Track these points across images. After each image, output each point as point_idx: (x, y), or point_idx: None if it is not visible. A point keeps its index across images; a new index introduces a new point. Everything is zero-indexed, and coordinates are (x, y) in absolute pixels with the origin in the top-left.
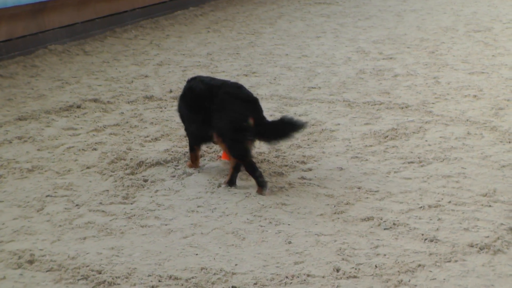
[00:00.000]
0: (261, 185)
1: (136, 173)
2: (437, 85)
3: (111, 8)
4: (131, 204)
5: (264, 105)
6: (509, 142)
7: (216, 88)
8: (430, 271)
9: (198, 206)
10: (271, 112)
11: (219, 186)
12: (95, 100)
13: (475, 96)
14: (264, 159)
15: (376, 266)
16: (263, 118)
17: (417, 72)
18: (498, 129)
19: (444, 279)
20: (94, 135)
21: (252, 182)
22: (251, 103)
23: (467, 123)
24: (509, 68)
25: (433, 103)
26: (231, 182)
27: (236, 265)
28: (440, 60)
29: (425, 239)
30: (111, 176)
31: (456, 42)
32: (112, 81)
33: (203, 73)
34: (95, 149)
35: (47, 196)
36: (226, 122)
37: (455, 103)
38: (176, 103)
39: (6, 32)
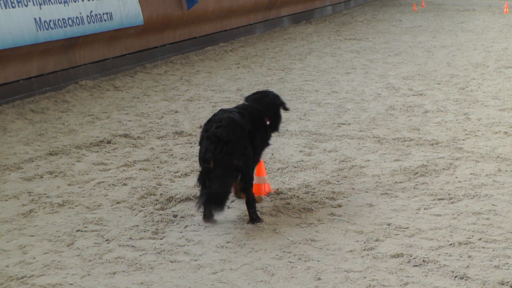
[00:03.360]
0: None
1: (166, 208)
2: (467, 121)
3: (141, 43)
4: (161, 239)
5: (293, 141)
6: None
7: None
8: None
9: (227, 242)
10: (300, 148)
11: (248, 222)
12: (125, 135)
13: (505, 132)
14: (294, 195)
15: None
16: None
17: (447, 108)
18: None
19: None
20: (124, 170)
21: (281, 218)
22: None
23: (497, 159)
24: None
25: (463, 139)
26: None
27: None
28: (470, 97)
29: (455, 277)
30: (141, 211)
31: (487, 78)
32: (142, 117)
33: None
34: (125, 184)
35: (77, 230)
36: None
37: (485, 140)
38: None
39: (37, 68)
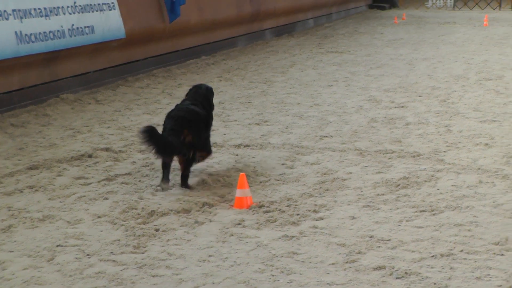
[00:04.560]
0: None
1: (148, 222)
2: (448, 133)
3: (123, 57)
4: (142, 253)
5: (276, 154)
6: None
7: None
8: None
9: (209, 256)
10: (282, 161)
11: (231, 235)
12: (106, 149)
13: (486, 144)
14: (276, 208)
15: None
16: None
17: (428, 120)
18: (509, 177)
19: None
20: (105, 184)
21: (264, 231)
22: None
23: (478, 171)
24: None
25: (444, 151)
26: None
27: None
28: (451, 109)
29: None
30: (122, 225)
31: (468, 90)
32: (124, 130)
33: (215, 122)
34: (106, 199)
35: (57, 245)
36: None
37: (466, 152)
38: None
39: (18, 81)
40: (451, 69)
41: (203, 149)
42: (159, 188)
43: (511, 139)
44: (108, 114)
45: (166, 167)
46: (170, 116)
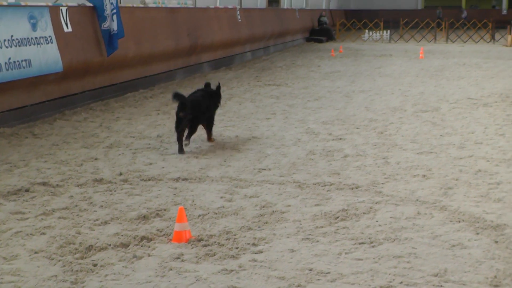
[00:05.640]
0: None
1: (85, 257)
2: (386, 165)
3: (61, 90)
4: None
5: (214, 187)
6: (459, 222)
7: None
8: None
9: None
10: (221, 194)
11: (170, 269)
12: (44, 184)
13: (424, 175)
14: (215, 242)
15: None
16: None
17: (366, 152)
18: (447, 209)
19: None
20: (42, 219)
21: (203, 265)
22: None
23: (416, 203)
24: (457, 147)
25: (382, 183)
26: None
27: None
28: (389, 140)
29: None
30: (59, 260)
31: (405, 122)
32: (61, 164)
33: (153, 155)
34: (43, 233)
35: None
36: None
37: (404, 183)
38: (126, 185)
39: None
40: (388, 101)
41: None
42: (181, 152)
43: (448, 170)
44: (45, 148)
45: (179, 140)
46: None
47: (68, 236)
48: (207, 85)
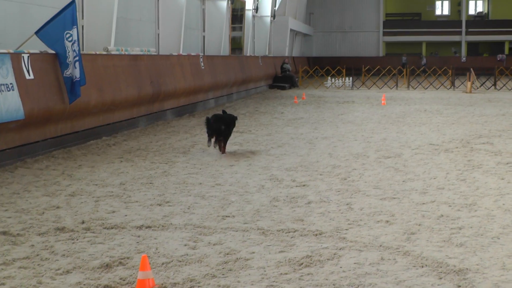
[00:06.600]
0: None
1: None
2: (350, 211)
3: (22, 138)
4: None
5: (178, 234)
6: (422, 267)
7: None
8: None
9: None
10: (185, 241)
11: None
12: (4, 233)
13: (387, 221)
14: None
15: None
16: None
17: (330, 198)
18: (411, 254)
19: None
20: (2, 269)
21: None
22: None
23: (380, 248)
24: (419, 193)
25: (346, 229)
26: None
27: None
28: (352, 186)
29: None
30: None
31: (367, 168)
32: (22, 213)
33: (116, 203)
34: (3, 284)
35: None
36: None
37: (368, 229)
38: (88, 233)
39: None
40: (351, 148)
41: (225, 137)
42: (206, 147)
43: (410, 215)
44: (5, 197)
45: (210, 140)
46: (214, 117)
47: (29, 286)
48: (224, 111)
